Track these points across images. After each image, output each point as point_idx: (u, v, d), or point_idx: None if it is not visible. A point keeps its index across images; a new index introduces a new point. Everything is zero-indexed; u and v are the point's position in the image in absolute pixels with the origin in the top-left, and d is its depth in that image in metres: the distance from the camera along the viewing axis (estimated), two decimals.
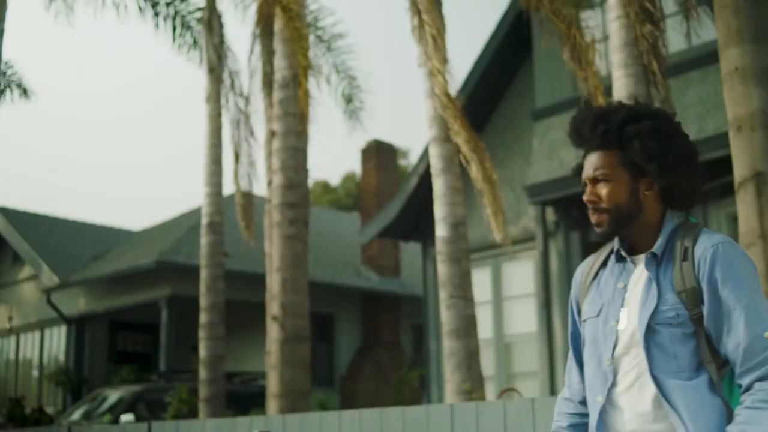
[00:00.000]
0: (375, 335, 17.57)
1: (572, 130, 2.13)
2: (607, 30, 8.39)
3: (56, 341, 17.41)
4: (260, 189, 10.87)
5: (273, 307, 7.45)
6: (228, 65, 11.10)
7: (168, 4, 11.62)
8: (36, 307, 17.67)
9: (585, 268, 2.22)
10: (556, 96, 10.36)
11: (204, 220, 10.51)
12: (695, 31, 5.81)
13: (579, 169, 2.15)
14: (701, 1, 8.27)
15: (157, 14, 11.61)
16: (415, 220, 12.18)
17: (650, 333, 1.95)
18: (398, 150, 26.92)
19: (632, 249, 2.10)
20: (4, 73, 13.20)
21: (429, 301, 11.94)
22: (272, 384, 7.33)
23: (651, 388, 1.93)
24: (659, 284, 1.98)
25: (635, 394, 1.97)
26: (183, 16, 11.74)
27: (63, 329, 17.19)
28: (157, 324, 15.47)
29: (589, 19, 7.47)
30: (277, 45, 7.89)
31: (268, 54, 8.88)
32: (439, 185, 7.12)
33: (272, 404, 7.38)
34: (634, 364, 1.98)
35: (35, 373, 17.82)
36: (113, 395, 11.49)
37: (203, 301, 10.14)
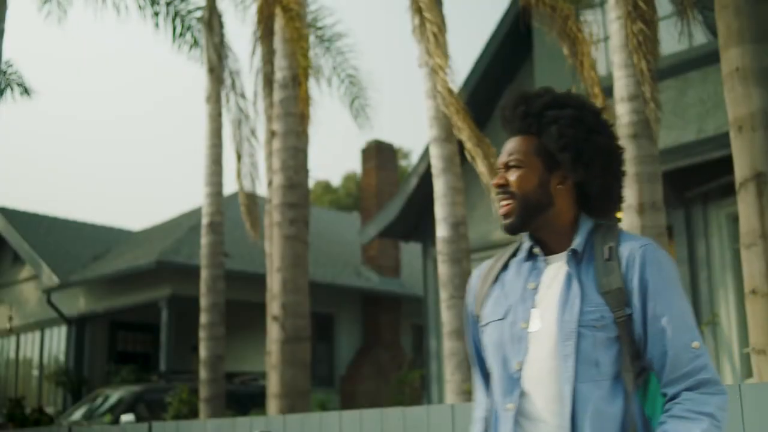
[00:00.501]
0: (375, 335, 17.57)
1: (500, 113, 2.02)
2: (608, 30, 8.39)
3: (56, 341, 17.40)
4: (261, 189, 10.86)
5: (273, 307, 7.44)
6: (229, 65, 11.10)
7: (168, 4, 11.61)
8: (36, 307, 17.67)
9: (482, 273, 2.03)
10: None
11: (204, 220, 10.51)
12: (694, 32, 5.81)
13: None
14: (700, 1, 8.27)
15: (156, 14, 11.60)
16: (416, 221, 12.18)
17: (571, 336, 1.78)
18: (399, 150, 26.92)
19: (543, 249, 1.94)
20: (5, 72, 13.20)
21: (429, 302, 11.93)
22: (272, 384, 7.33)
23: (568, 397, 1.76)
24: (582, 284, 1.83)
25: (550, 403, 1.79)
26: (183, 16, 11.74)
27: (63, 329, 17.19)
28: (158, 324, 15.47)
29: (591, 21, 7.46)
30: (278, 45, 7.89)
31: (269, 54, 8.87)
32: (439, 185, 7.12)
33: (272, 404, 7.37)
34: (548, 369, 1.80)
35: (35, 373, 17.81)
36: (113, 395, 11.48)
37: (203, 302, 10.13)
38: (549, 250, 1.93)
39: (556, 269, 1.89)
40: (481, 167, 6.85)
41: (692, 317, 1.84)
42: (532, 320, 1.85)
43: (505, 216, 1.92)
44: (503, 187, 1.92)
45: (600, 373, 1.77)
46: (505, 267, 1.99)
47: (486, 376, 2.00)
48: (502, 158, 1.96)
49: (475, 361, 2.06)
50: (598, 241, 1.88)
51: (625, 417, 1.76)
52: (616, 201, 1.97)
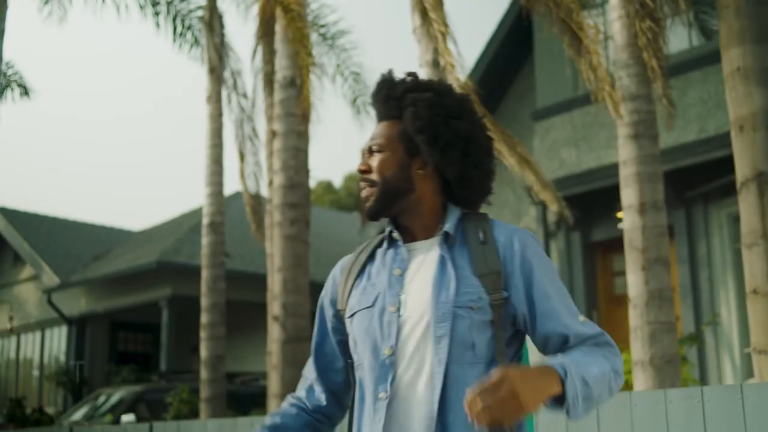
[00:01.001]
0: None
1: (371, 103, 1.98)
2: (609, 30, 8.39)
3: (57, 341, 17.41)
4: (262, 189, 10.85)
5: (274, 308, 7.44)
6: (231, 65, 11.11)
7: (168, 4, 11.61)
8: (36, 308, 17.67)
9: (345, 265, 1.98)
10: (557, 96, 10.36)
11: (205, 220, 10.51)
12: (699, 31, 5.81)
13: None
14: (702, 1, 8.28)
15: (157, 13, 11.60)
16: None
17: (447, 317, 1.73)
18: None
19: (408, 236, 1.90)
20: (5, 73, 13.20)
21: None
22: (273, 384, 7.32)
23: (439, 379, 1.71)
24: (456, 266, 1.78)
25: (424, 388, 1.73)
26: (183, 16, 11.74)
27: (63, 329, 17.19)
28: (158, 324, 15.46)
29: (593, 18, 7.48)
30: (278, 45, 7.89)
31: (270, 54, 8.87)
32: None
33: (273, 404, 7.36)
34: (421, 353, 1.75)
35: (36, 373, 17.82)
36: (114, 395, 11.48)
37: (204, 302, 10.13)
38: (414, 237, 1.89)
39: (425, 254, 1.85)
40: (509, 159, 6.90)
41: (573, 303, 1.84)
42: (403, 305, 1.80)
43: (365, 201, 1.88)
44: (364, 173, 1.90)
45: (475, 356, 1.74)
46: (371, 258, 1.94)
47: (319, 370, 1.99)
48: (366, 143, 1.94)
49: (314, 355, 2.01)
50: (470, 226, 1.85)
51: None
52: (479, 191, 1.91)
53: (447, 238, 1.84)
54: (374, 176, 1.88)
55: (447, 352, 1.72)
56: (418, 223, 1.89)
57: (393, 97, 1.91)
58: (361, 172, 1.90)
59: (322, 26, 11.38)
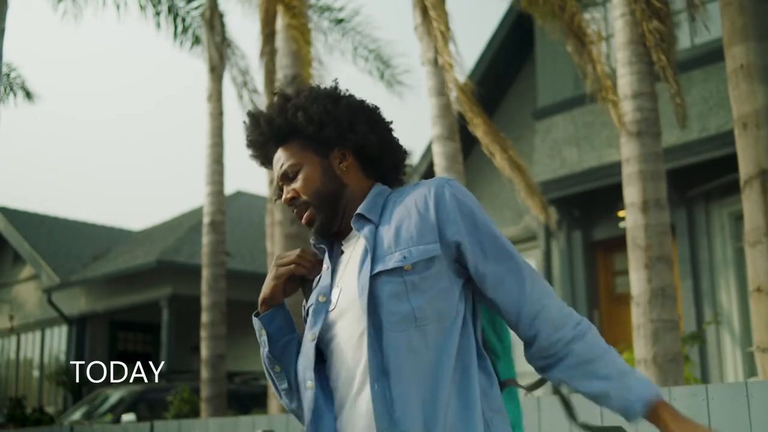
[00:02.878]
0: None
1: (252, 148, 1.93)
2: (610, 28, 8.38)
3: (57, 341, 17.40)
4: (262, 188, 10.85)
5: None
6: (237, 63, 11.13)
7: (169, 4, 11.60)
8: (36, 307, 17.66)
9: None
10: (558, 95, 10.35)
11: (205, 220, 10.50)
12: (704, 28, 5.79)
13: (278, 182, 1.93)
14: None
15: (158, 13, 11.59)
16: None
17: (366, 287, 1.72)
18: None
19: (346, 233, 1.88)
20: (7, 75, 13.17)
21: None
22: None
23: (373, 346, 1.71)
24: (378, 238, 1.77)
25: (351, 371, 1.75)
26: (184, 15, 11.73)
27: (64, 329, 17.19)
28: (158, 324, 15.45)
29: (592, 19, 7.47)
30: (280, 44, 7.88)
31: (271, 53, 8.86)
32: None
33: (274, 404, 7.36)
34: (350, 334, 1.75)
35: (36, 373, 17.81)
36: (114, 395, 11.47)
37: (205, 301, 10.12)
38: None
39: (355, 242, 1.84)
40: (500, 161, 6.88)
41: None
42: (332, 295, 1.79)
43: (310, 224, 1.85)
44: (294, 201, 1.86)
45: (417, 319, 1.70)
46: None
47: None
48: (277, 173, 1.89)
49: None
50: (393, 196, 1.84)
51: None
52: (399, 152, 1.92)
53: (361, 218, 1.80)
54: (305, 197, 1.85)
55: (377, 318, 1.68)
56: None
57: (274, 118, 1.88)
58: (290, 201, 1.86)
59: (333, 10, 11.39)
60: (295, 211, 1.88)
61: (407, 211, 1.77)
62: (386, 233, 1.76)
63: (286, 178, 1.88)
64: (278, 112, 1.88)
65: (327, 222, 1.85)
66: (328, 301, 1.80)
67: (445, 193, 1.76)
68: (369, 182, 1.89)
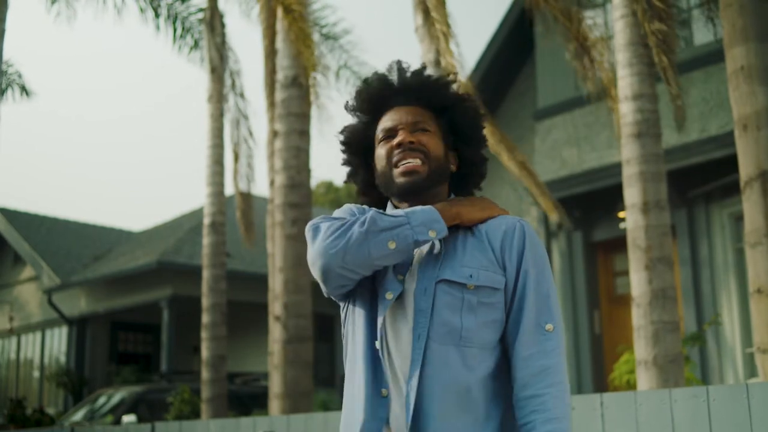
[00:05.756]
0: None
1: (379, 83, 1.91)
2: (611, 29, 8.38)
3: (57, 342, 17.40)
4: (256, 190, 10.86)
5: (275, 308, 7.43)
6: (230, 65, 11.10)
7: (169, 6, 11.59)
8: (37, 308, 17.66)
9: None
10: (558, 96, 10.36)
11: (206, 221, 10.50)
12: (694, 31, 5.80)
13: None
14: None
15: (157, 16, 11.59)
16: None
17: (428, 293, 1.80)
18: None
19: None
20: (6, 73, 13.19)
21: None
22: (275, 384, 7.31)
23: (419, 358, 1.79)
24: (455, 246, 1.87)
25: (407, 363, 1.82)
26: (183, 18, 11.73)
27: (64, 330, 17.18)
28: (159, 324, 15.45)
29: (595, 17, 7.48)
30: (280, 45, 7.89)
31: (272, 54, 8.86)
32: None
33: (275, 405, 7.35)
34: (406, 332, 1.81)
35: (36, 374, 17.80)
36: (115, 396, 11.47)
37: (205, 302, 10.13)
38: None
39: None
40: (507, 161, 6.89)
41: None
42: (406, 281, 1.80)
43: (412, 173, 1.82)
44: (414, 144, 1.83)
45: (462, 339, 1.73)
46: None
47: None
48: (406, 119, 1.86)
49: None
50: None
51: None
52: (480, 180, 2.00)
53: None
54: (426, 150, 1.84)
55: (426, 327, 1.70)
56: None
57: (439, 90, 1.91)
58: (410, 143, 1.84)
59: (324, 26, 11.39)
60: (402, 152, 1.84)
61: (485, 237, 1.80)
62: (460, 245, 1.79)
63: (415, 128, 1.86)
64: (447, 86, 1.92)
65: (423, 183, 1.83)
66: (404, 280, 1.79)
67: (525, 233, 1.80)
68: (448, 188, 1.93)
